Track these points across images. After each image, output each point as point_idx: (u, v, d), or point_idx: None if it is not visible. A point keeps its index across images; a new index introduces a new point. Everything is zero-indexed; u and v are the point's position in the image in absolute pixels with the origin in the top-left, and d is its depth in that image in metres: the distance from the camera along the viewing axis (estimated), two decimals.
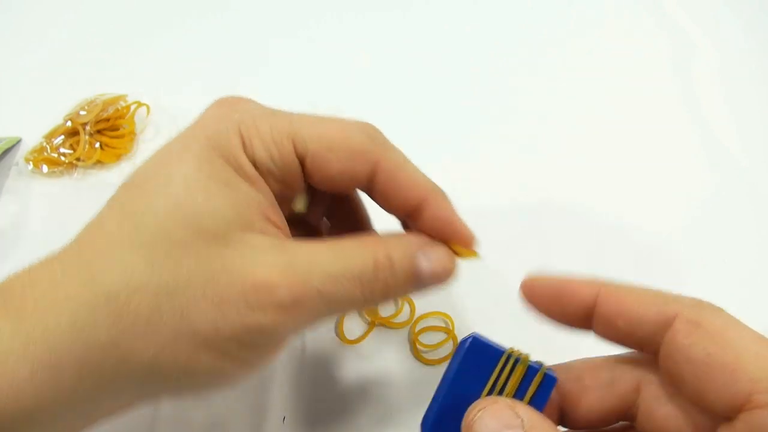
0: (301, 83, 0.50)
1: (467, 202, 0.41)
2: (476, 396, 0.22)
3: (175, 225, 0.21)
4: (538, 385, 0.22)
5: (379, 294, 0.24)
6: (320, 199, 0.29)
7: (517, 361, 0.22)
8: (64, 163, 0.44)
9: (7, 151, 0.45)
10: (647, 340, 0.21)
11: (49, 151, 0.45)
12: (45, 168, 0.44)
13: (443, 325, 0.35)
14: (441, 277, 0.25)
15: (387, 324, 0.35)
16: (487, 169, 0.44)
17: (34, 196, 0.43)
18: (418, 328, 0.35)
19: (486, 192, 0.42)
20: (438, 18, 0.55)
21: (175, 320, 0.21)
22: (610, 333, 0.22)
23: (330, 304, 0.23)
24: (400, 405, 0.32)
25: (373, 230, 0.30)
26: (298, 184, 0.25)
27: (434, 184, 0.26)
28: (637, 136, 0.45)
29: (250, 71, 0.52)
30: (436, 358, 0.34)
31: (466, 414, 0.21)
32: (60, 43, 0.55)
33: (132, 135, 0.46)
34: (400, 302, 0.36)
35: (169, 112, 0.48)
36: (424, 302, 0.36)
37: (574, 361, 0.24)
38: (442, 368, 0.33)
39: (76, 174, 0.44)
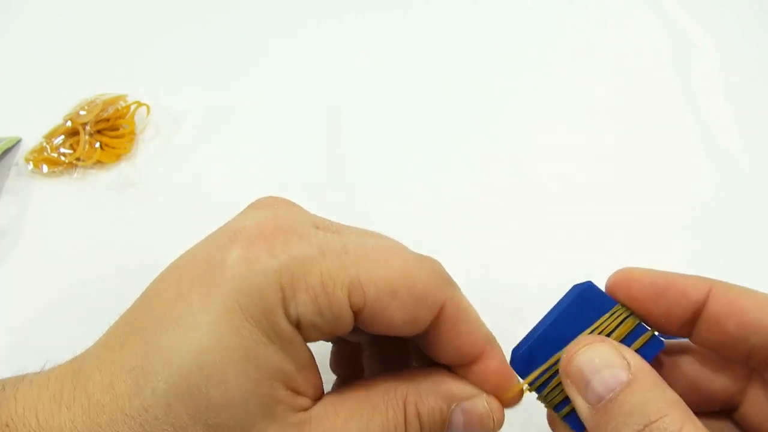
0: (301, 83, 0.50)
1: (468, 200, 0.42)
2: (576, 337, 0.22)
3: (190, 420, 0.19)
4: (642, 345, 0.21)
5: None
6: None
7: (627, 317, 0.22)
8: (64, 163, 0.44)
9: (7, 151, 0.45)
10: (759, 348, 0.19)
11: (49, 151, 0.45)
12: (45, 168, 0.44)
13: None
14: None
15: None
16: (488, 168, 0.43)
17: (34, 196, 0.43)
18: None
19: (486, 191, 0.42)
20: (438, 18, 0.55)
21: None
22: (716, 338, 0.20)
23: None
24: None
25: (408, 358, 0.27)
26: (347, 331, 0.21)
27: (490, 332, 0.23)
28: (637, 136, 0.45)
29: (250, 71, 0.52)
30: None
31: (569, 347, 0.20)
32: (60, 43, 0.55)
33: (132, 135, 0.46)
34: None
35: (169, 112, 0.48)
36: None
37: (688, 342, 0.23)
38: None
39: (76, 174, 0.44)
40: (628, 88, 0.48)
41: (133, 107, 0.47)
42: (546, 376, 0.22)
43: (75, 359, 0.21)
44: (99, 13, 0.58)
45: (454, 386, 0.22)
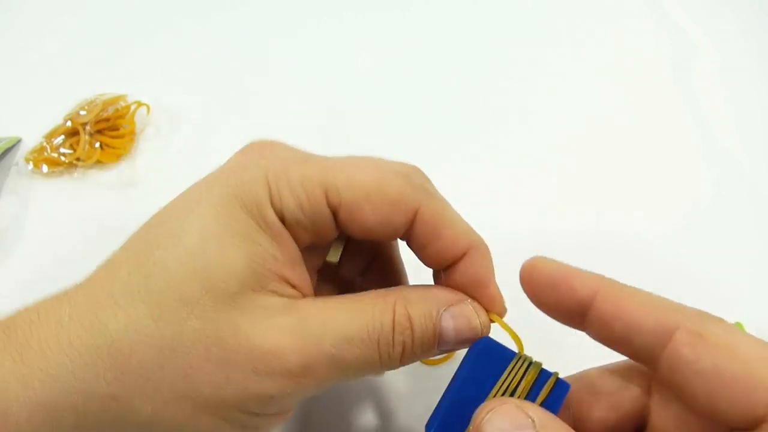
0: (301, 83, 0.50)
1: (469, 201, 0.42)
2: (485, 398, 0.21)
3: (185, 280, 0.20)
4: (549, 391, 0.22)
5: (398, 357, 0.22)
6: (357, 252, 0.27)
7: (529, 365, 0.22)
8: (64, 163, 0.44)
9: (7, 151, 0.45)
10: (644, 349, 0.20)
11: (49, 151, 0.45)
12: (45, 168, 0.44)
13: None
14: (467, 338, 0.23)
15: None
16: (488, 168, 0.43)
17: (34, 196, 0.43)
18: None
19: (487, 191, 0.42)
20: (438, 18, 0.55)
21: (177, 379, 0.20)
22: (604, 336, 0.21)
23: (343, 369, 0.21)
24: (401, 405, 0.32)
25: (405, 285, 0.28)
26: (330, 234, 0.23)
27: (477, 236, 0.24)
28: (637, 136, 0.45)
29: (250, 71, 0.52)
30: (437, 357, 0.34)
31: (474, 415, 0.20)
32: (60, 43, 0.55)
33: (132, 135, 0.46)
34: None
35: (169, 112, 0.48)
36: None
37: (586, 370, 0.23)
38: (442, 368, 0.33)
39: (76, 174, 0.44)
40: (628, 88, 0.48)
41: (133, 107, 0.47)
42: None
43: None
44: (99, 13, 0.58)
45: (440, 293, 0.23)
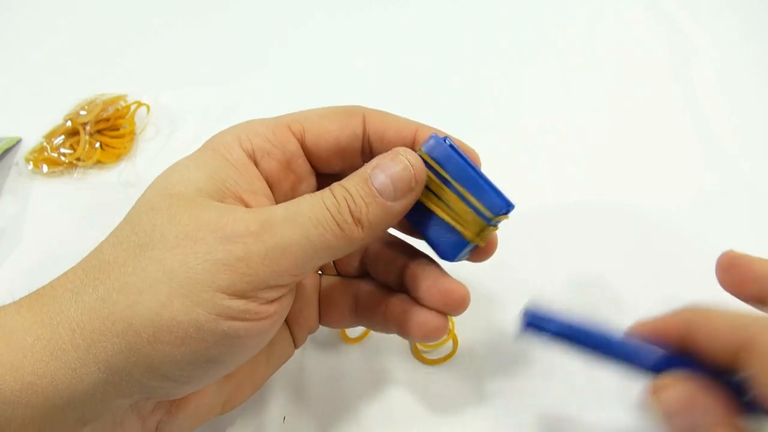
0: (300, 82, 0.50)
1: None
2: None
3: (154, 195, 0.25)
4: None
5: (355, 225, 0.24)
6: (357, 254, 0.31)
7: None
8: (64, 163, 0.44)
9: (7, 151, 0.45)
10: None
11: (49, 151, 0.45)
12: (45, 168, 0.44)
13: None
14: (405, 179, 0.24)
15: None
16: (487, 169, 0.43)
17: (34, 196, 0.43)
18: None
19: None
20: (436, 18, 0.55)
21: (153, 268, 0.22)
22: None
23: (301, 225, 0.23)
24: (401, 405, 0.32)
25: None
26: (304, 167, 0.28)
27: (418, 122, 0.29)
28: (637, 136, 0.45)
29: (249, 71, 0.52)
30: (436, 358, 0.34)
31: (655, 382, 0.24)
32: (60, 43, 0.55)
33: (132, 135, 0.47)
34: None
35: (169, 112, 0.48)
36: None
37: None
38: (442, 368, 0.33)
39: (76, 174, 0.44)
40: (628, 88, 0.48)
41: (133, 107, 0.47)
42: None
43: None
44: (99, 14, 0.58)
45: (374, 160, 0.25)
